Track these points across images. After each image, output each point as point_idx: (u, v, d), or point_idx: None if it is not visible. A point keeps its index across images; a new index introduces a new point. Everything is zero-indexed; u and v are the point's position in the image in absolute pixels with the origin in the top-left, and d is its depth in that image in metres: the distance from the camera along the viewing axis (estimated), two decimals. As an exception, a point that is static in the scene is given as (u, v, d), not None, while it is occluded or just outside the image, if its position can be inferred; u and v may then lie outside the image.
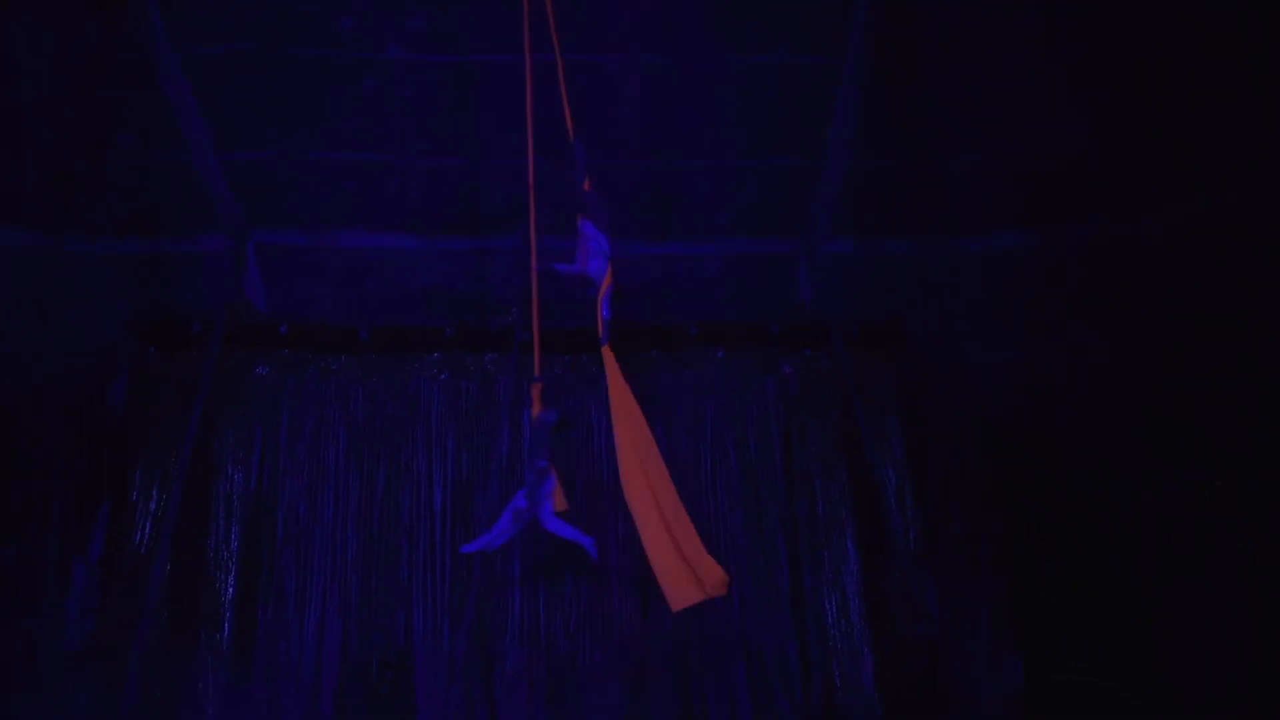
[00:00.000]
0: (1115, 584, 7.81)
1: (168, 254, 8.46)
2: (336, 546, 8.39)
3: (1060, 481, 8.08)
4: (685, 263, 8.61)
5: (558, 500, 6.20)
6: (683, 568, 5.17)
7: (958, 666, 7.96)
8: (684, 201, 8.41)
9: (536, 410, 6.39)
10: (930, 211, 8.26)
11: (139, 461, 8.45)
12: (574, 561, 8.38)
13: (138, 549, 8.22)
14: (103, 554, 8.19)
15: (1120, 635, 7.72)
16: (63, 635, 7.97)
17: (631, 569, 8.37)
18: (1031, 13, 7.32)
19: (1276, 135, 6.97)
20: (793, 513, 8.64)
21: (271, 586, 8.29)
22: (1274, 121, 6.97)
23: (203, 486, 8.45)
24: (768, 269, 8.69)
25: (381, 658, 8.16)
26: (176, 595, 8.16)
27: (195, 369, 8.37)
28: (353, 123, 7.97)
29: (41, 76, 7.22)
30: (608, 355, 6.00)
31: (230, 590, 8.27)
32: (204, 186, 7.94)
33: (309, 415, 8.74)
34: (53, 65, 7.18)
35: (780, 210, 8.42)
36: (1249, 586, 7.40)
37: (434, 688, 8.05)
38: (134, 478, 8.39)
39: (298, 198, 8.26)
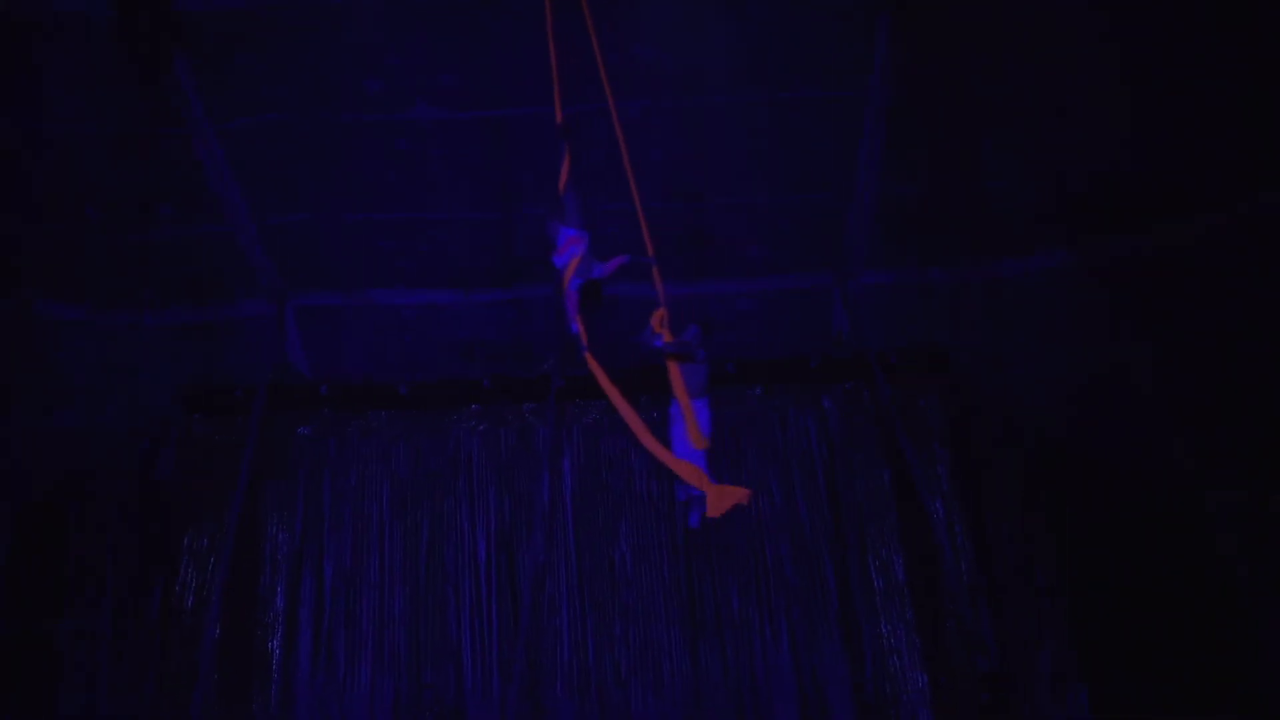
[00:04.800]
0: (1182, 605, 7.49)
1: (212, 322, 8.66)
2: (384, 603, 8.39)
3: (1116, 501, 7.83)
4: (720, 301, 8.59)
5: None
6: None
7: (1020, 699, 7.71)
8: (716, 240, 8.42)
9: None
10: (965, 236, 8.17)
11: (188, 528, 8.55)
12: (620, 605, 8.33)
13: (191, 613, 8.29)
14: (158, 619, 8.27)
15: (1193, 658, 7.40)
16: (120, 703, 8.04)
17: (677, 611, 8.27)
18: (1057, 26, 7.23)
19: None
20: (842, 548, 8.47)
21: (320, 646, 8.31)
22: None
23: (250, 549, 8.52)
24: (803, 304, 8.64)
25: (435, 715, 8.08)
26: (227, 657, 8.20)
27: (239, 434, 8.49)
28: (386, 183, 8.07)
29: (87, 153, 7.45)
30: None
31: (278, 651, 8.29)
32: (242, 253, 8.14)
33: (352, 473, 8.82)
34: (98, 142, 7.39)
35: (812, 245, 8.39)
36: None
37: (487, 743, 7.97)
38: (183, 543, 8.49)
39: (334, 259, 8.41)
